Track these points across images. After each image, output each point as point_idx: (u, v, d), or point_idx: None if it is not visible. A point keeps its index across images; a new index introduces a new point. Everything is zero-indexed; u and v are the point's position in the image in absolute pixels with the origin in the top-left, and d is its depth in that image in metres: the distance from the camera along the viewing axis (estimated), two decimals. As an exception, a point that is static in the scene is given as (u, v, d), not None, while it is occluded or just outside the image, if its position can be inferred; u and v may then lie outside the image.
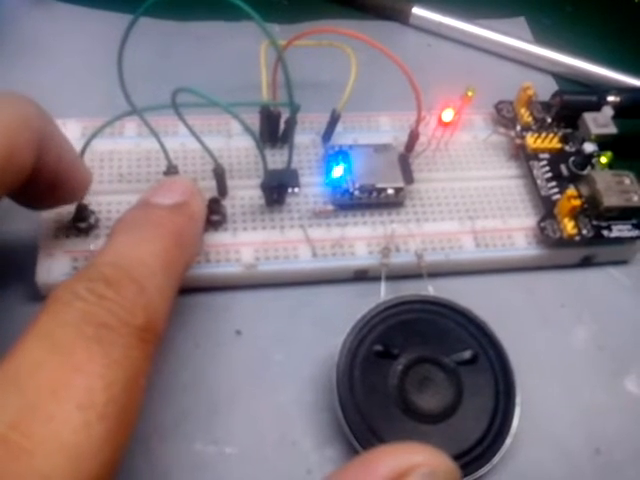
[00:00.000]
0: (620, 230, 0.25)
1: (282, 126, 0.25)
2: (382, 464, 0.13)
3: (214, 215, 0.23)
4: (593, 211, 0.25)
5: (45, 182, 0.19)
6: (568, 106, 0.27)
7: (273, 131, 0.25)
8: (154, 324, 0.16)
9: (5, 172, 0.16)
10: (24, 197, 0.19)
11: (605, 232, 0.24)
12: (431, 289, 0.23)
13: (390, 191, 0.24)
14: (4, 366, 0.13)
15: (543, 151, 0.26)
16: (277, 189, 0.23)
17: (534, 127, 0.27)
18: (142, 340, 0.15)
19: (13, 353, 0.14)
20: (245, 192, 0.24)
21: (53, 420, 0.13)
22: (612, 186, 0.25)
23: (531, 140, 0.26)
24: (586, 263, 0.26)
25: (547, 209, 0.25)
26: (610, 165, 0.26)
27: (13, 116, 0.17)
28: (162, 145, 0.22)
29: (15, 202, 0.20)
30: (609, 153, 0.26)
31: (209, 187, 0.23)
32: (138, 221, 0.18)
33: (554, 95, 0.28)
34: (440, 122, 0.25)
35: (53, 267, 0.21)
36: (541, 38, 0.34)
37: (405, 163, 0.25)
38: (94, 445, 0.13)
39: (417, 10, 0.34)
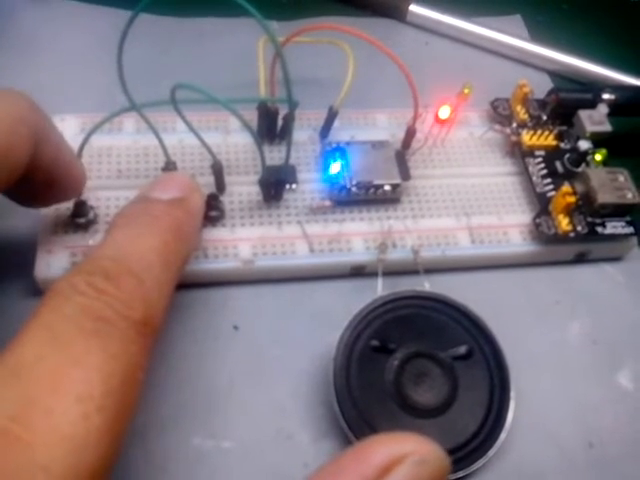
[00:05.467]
0: (614, 227, 0.25)
1: (280, 122, 0.25)
2: (375, 454, 0.13)
3: (212, 211, 0.23)
4: (587, 208, 0.25)
5: (40, 179, 0.19)
6: (563, 104, 0.27)
7: (271, 127, 0.25)
8: (152, 318, 0.16)
9: (0, 169, 0.16)
10: (19, 194, 0.19)
11: (599, 229, 0.25)
12: (427, 285, 0.23)
13: (387, 187, 0.24)
14: (5, 359, 0.13)
15: (538, 148, 0.27)
16: (275, 185, 0.24)
17: (530, 124, 0.27)
18: (140, 334, 0.15)
19: (13, 346, 0.14)
20: (243, 188, 0.24)
21: (53, 412, 0.13)
22: (606, 183, 0.25)
23: (527, 137, 0.27)
24: (580, 259, 0.26)
25: (542, 206, 0.25)
26: (604, 162, 0.26)
27: (8, 112, 0.17)
28: (160, 141, 0.22)
29: (10, 199, 0.20)
30: (604, 150, 0.26)
31: (207, 183, 0.23)
32: (137, 215, 0.18)
33: (550, 93, 0.28)
34: (437, 119, 0.26)
35: (52, 262, 0.21)
36: (537, 36, 0.34)
37: (402, 160, 0.25)
38: (92, 437, 0.13)
39: (414, 8, 0.34)
